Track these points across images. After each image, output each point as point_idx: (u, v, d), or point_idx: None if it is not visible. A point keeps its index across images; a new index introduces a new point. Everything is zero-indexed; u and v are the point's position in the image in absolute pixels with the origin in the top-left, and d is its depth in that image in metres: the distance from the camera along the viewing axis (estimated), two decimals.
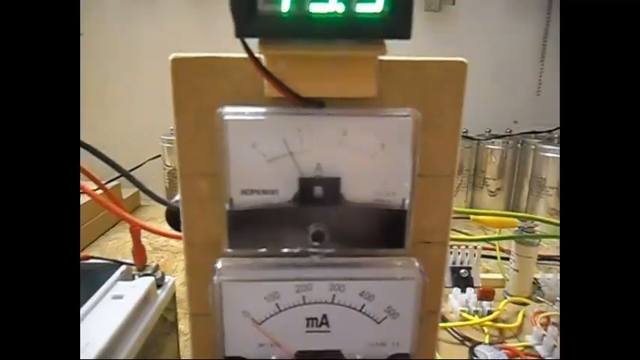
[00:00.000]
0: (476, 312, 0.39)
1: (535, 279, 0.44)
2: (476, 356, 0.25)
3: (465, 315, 0.39)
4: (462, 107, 0.19)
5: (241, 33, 0.15)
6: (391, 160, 0.17)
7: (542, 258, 0.57)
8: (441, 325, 0.37)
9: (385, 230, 0.18)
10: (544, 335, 0.35)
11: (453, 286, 0.42)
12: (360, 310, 0.19)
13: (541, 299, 0.42)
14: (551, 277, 0.44)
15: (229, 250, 0.18)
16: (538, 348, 0.34)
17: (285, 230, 0.18)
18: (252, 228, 0.18)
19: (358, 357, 0.19)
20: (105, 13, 0.77)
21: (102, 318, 0.25)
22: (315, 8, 0.15)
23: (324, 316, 0.19)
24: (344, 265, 0.18)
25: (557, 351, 0.33)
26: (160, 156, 0.78)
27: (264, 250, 0.18)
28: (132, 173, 0.85)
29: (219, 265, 0.18)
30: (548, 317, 0.38)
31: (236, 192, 0.17)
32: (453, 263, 0.44)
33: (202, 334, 0.19)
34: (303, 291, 0.18)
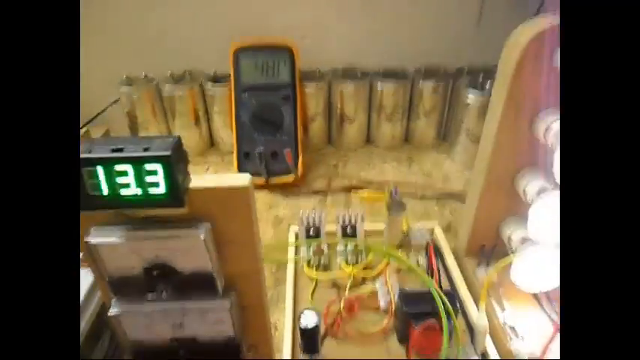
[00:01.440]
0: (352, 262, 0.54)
1: (404, 231, 0.57)
2: (299, 321, 0.39)
3: (342, 264, 0.54)
4: (254, 217, 0.29)
5: (82, 208, 0.25)
6: (198, 252, 0.29)
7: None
8: (322, 273, 0.52)
9: (204, 286, 0.30)
10: (386, 282, 0.50)
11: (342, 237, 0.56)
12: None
13: (400, 251, 0.56)
14: (420, 229, 0.57)
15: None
16: (379, 292, 0.50)
17: (144, 287, 0.30)
18: (129, 287, 0.30)
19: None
20: None
21: None
22: (123, 192, 0.25)
23: (181, 323, 0.32)
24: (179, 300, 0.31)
25: (387, 298, 0.48)
26: (119, 100, 0.85)
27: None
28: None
29: (114, 309, 0.31)
30: (399, 268, 0.52)
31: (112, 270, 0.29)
32: (343, 222, 0.57)
33: None
34: (164, 314, 0.32)
